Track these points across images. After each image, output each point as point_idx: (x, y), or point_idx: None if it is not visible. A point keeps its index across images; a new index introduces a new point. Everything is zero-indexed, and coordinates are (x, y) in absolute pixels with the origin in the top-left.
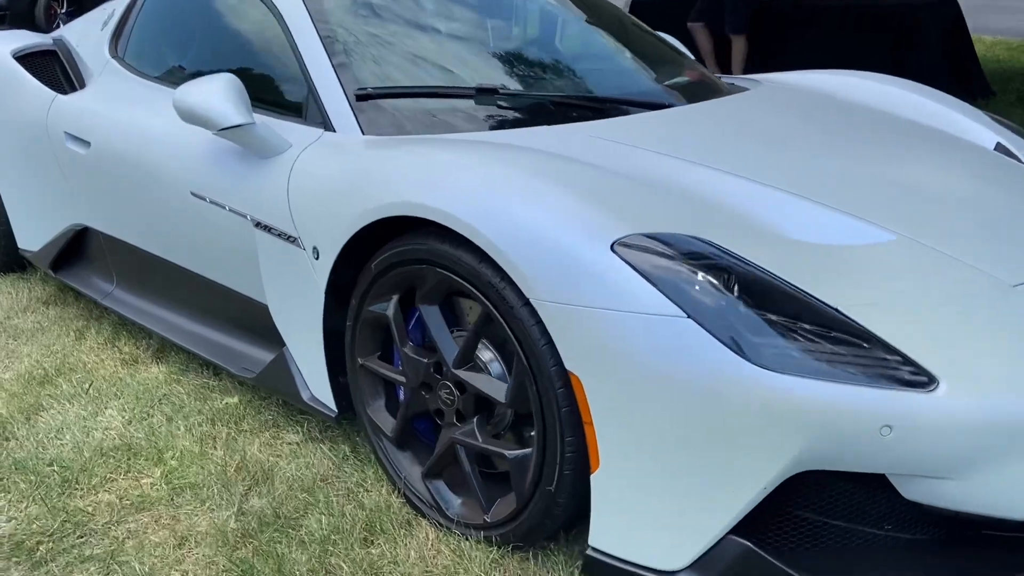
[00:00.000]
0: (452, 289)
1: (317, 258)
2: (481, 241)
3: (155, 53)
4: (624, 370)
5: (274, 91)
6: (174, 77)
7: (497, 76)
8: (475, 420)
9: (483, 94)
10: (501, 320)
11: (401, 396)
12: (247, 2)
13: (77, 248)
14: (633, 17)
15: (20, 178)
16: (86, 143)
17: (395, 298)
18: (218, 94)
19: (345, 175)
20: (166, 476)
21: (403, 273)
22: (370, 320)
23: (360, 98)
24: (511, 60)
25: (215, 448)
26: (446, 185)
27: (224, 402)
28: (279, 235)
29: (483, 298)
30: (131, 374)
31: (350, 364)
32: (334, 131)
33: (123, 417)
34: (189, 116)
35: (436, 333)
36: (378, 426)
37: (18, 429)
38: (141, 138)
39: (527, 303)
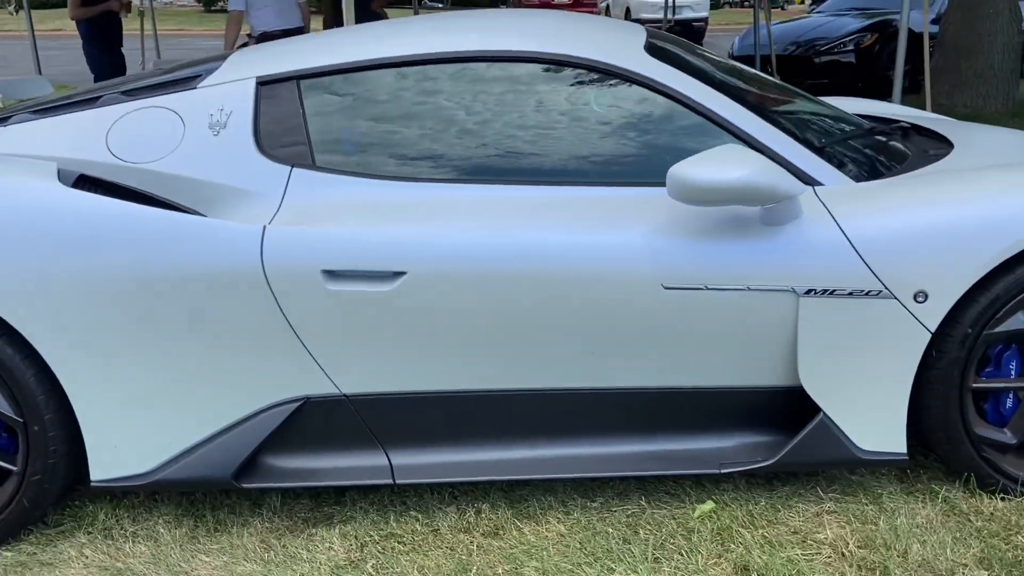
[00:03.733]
0: None
1: (922, 302)
2: None
3: (390, 153)
4: None
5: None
6: (474, 173)
7: None
8: None
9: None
10: None
11: (1008, 404)
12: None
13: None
14: None
15: (136, 363)
16: (390, 276)
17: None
18: (766, 166)
19: (919, 219)
20: None
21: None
22: (991, 341)
23: (814, 149)
24: None
25: (770, 554)
26: None
27: (698, 512)
28: (847, 294)
29: None
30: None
31: (947, 395)
32: (820, 184)
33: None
34: (696, 192)
35: None
36: (994, 441)
37: None
38: (532, 247)
39: None
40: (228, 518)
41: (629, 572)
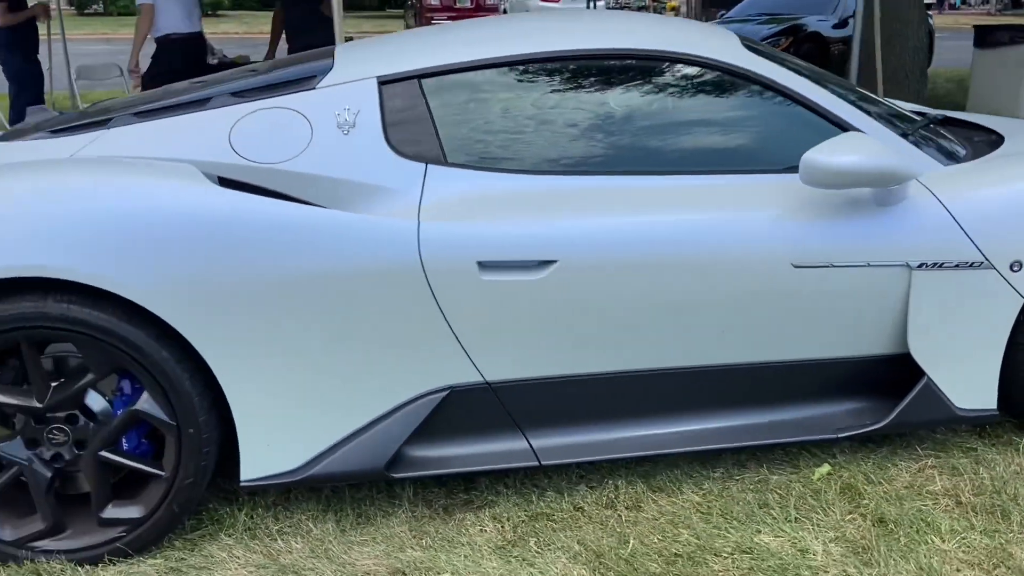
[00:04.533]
0: None
1: (1017, 271)
2: None
3: (521, 148)
4: None
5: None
6: (598, 165)
7: None
8: None
9: None
10: None
11: None
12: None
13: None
14: None
15: (291, 359)
16: (540, 264)
17: None
18: (890, 151)
19: (1012, 195)
20: None
21: None
22: None
23: (904, 137)
24: None
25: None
26: None
27: (817, 475)
28: (953, 266)
29: None
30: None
31: None
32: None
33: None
34: (830, 175)
35: None
36: None
37: None
38: (671, 233)
39: None
40: (368, 510)
41: (775, 533)
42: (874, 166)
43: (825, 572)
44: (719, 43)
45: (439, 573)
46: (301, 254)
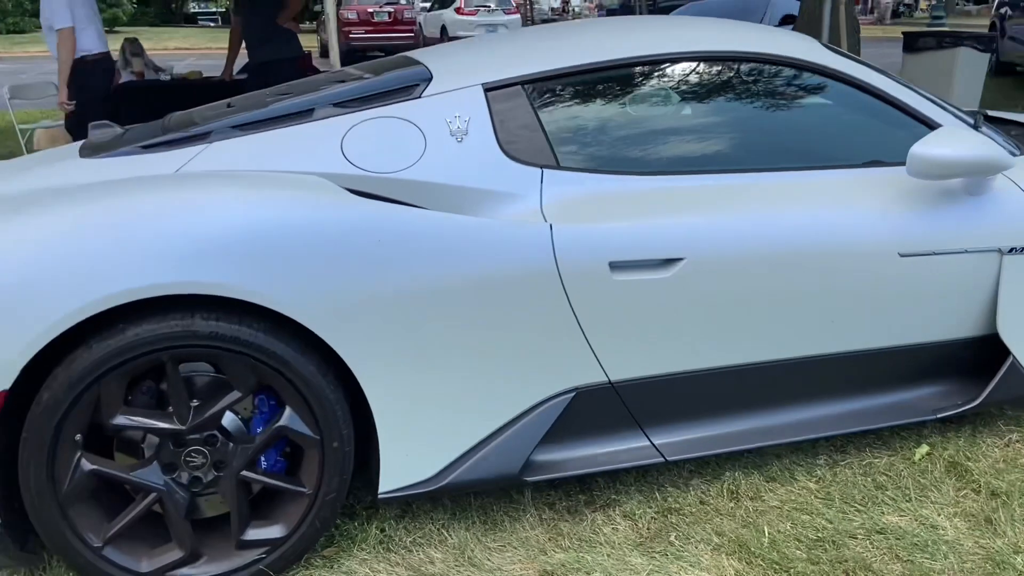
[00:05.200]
0: None
1: None
2: None
3: (631, 149)
4: None
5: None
6: (699, 164)
7: None
8: None
9: None
10: None
11: None
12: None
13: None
14: None
15: (431, 367)
16: (667, 262)
17: None
18: (984, 142)
19: None
20: None
21: None
22: None
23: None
24: None
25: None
26: None
27: (918, 455)
28: None
29: None
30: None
31: None
32: None
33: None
34: (937, 167)
35: None
36: None
37: None
38: (791, 228)
39: None
40: (494, 516)
41: (900, 512)
42: (978, 156)
43: (960, 545)
44: (805, 45)
45: (588, 573)
46: (441, 260)
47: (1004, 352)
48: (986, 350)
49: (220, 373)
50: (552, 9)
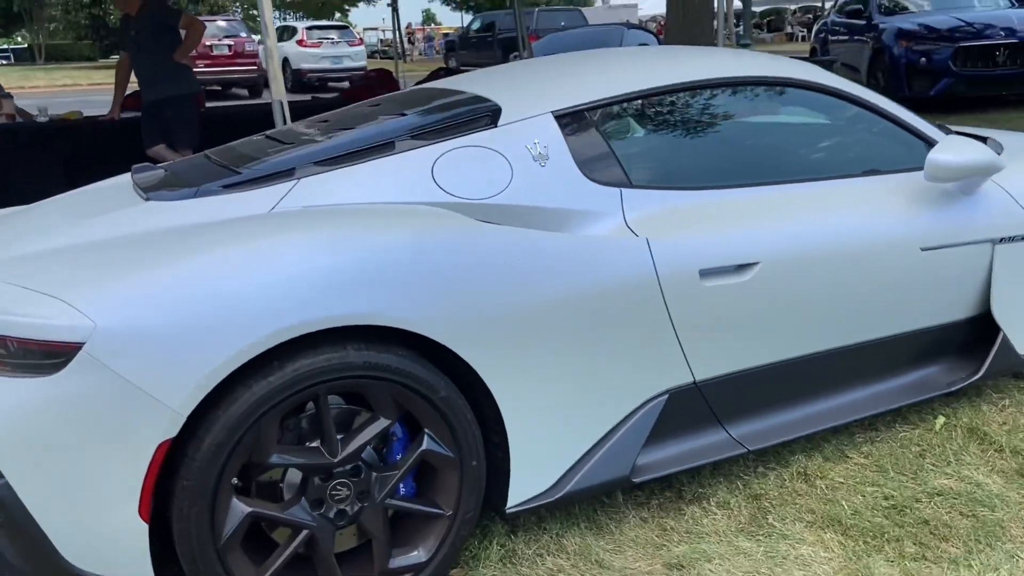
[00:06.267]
0: None
1: None
2: None
3: (688, 167)
4: None
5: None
6: (736, 177)
7: None
8: None
9: None
10: None
11: None
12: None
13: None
14: None
15: (552, 380)
16: (745, 267)
17: None
18: (985, 148)
19: None
20: None
21: None
22: None
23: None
24: None
25: None
26: None
27: (938, 425)
28: (1022, 238)
29: None
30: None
31: None
32: None
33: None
34: (953, 171)
35: None
36: None
37: None
38: (841, 231)
39: None
40: (598, 519)
41: (946, 475)
42: (983, 161)
43: (1008, 496)
44: (818, 72)
45: (709, 560)
46: (561, 275)
47: (994, 330)
48: (977, 329)
49: (352, 404)
50: (381, 40)
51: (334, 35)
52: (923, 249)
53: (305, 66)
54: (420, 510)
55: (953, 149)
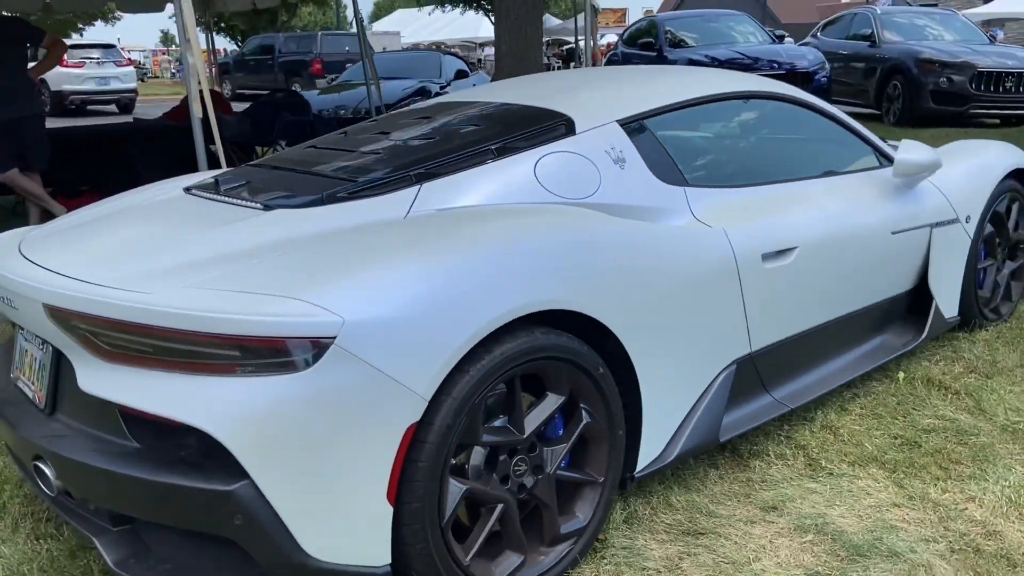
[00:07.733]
0: None
1: (967, 222)
2: None
3: (726, 167)
4: None
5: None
6: (752, 178)
7: None
8: None
9: None
10: None
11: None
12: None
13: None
14: None
15: (668, 352)
16: (789, 251)
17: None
18: (928, 150)
19: (961, 170)
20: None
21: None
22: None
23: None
24: None
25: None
26: None
27: (901, 378)
28: (948, 223)
29: None
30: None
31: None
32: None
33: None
34: (916, 168)
35: None
36: None
37: None
38: (845, 219)
39: None
40: (686, 482)
41: (925, 415)
42: (935, 159)
43: (980, 427)
44: (796, 89)
45: (791, 500)
46: (681, 261)
47: (927, 299)
48: (913, 300)
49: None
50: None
51: (97, 54)
52: (893, 232)
53: (67, 88)
54: (581, 478)
55: (914, 151)
